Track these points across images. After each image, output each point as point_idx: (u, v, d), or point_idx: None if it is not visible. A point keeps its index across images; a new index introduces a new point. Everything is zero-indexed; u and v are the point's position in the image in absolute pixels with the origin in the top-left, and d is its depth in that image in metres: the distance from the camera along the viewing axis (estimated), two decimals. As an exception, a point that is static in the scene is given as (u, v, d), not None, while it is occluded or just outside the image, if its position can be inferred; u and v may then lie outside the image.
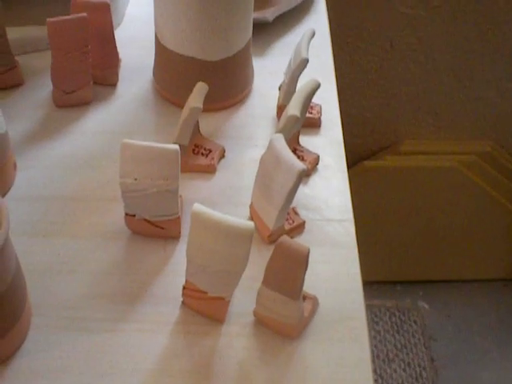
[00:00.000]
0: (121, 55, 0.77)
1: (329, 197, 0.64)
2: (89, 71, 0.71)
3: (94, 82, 0.73)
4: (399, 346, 1.54)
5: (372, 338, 1.53)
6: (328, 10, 0.91)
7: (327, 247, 0.60)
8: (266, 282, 0.50)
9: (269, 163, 0.56)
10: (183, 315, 0.53)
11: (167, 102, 0.74)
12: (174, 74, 0.71)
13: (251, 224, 0.47)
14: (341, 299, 0.56)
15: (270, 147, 0.56)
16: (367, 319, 0.55)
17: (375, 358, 1.50)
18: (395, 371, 1.49)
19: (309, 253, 0.47)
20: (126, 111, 0.73)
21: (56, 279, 0.56)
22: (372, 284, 1.63)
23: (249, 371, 0.50)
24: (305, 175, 0.56)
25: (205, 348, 0.51)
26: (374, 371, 1.46)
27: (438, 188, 1.54)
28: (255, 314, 0.53)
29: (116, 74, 0.75)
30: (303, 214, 0.62)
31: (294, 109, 0.61)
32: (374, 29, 1.36)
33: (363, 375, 0.51)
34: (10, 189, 0.63)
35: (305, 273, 0.48)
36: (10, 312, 0.48)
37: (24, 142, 0.68)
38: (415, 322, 1.59)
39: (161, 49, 0.72)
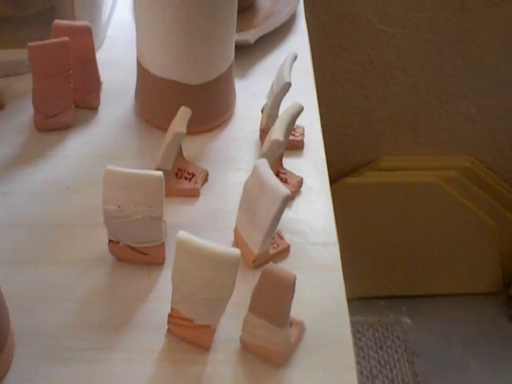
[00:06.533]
0: (102, 78, 0.77)
1: (313, 220, 0.64)
2: (70, 95, 0.70)
3: (76, 106, 0.73)
4: (382, 361, 1.54)
5: (355, 354, 1.53)
6: (308, 29, 0.91)
7: (312, 271, 0.60)
8: (253, 309, 0.50)
9: (253, 188, 0.56)
10: (169, 343, 0.53)
11: (149, 125, 0.73)
12: (156, 97, 0.71)
13: (237, 251, 0.47)
14: (327, 324, 0.55)
15: (255, 172, 0.56)
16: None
17: (359, 374, 1.49)
18: (379, 387, 1.49)
19: (295, 280, 0.47)
20: (108, 135, 0.72)
21: (39, 308, 0.55)
22: (355, 300, 1.63)
23: (236, 399, 0.50)
24: (289, 200, 0.56)
25: (191, 376, 0.51)
26: (358, 388, 1.46)
27: (418, 203, 1.55)
28: (242, 340, 0.53)
29: (97, 98, 0.75)
30: (288, 238, 0.62)
31: (277, 133, 0.61)
32: (353, 47, 1.37)
33: (350, 401, 0.50)
34: (-9, 215, 0.62)
35: (291, 300, 0.48)
36: (-8, 344, 0.47)
37: (5, 166, 0.67)
38: (398, 337, 1.59)
39: (143, 72, 0.71)
